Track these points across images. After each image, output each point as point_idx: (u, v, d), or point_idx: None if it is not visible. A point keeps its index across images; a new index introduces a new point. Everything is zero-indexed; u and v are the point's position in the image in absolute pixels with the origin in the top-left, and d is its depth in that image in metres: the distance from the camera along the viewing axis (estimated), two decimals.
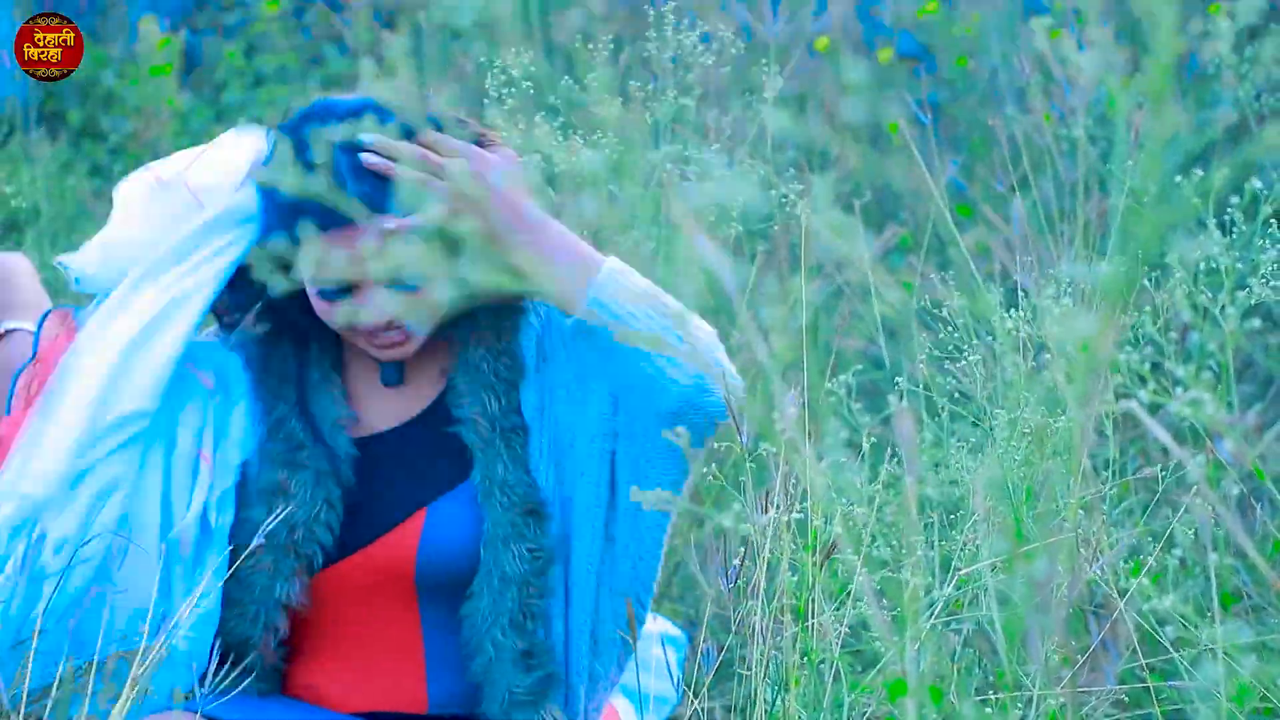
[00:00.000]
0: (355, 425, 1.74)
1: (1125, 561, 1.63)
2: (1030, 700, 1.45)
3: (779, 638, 1.55)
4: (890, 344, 2.63)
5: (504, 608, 1.65)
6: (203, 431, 1.68)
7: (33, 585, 1.52)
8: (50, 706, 1.53)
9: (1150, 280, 1.72)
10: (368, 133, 1.59)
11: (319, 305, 1.66)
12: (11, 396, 1.69)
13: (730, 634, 1.71)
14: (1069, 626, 1.67)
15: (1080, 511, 1.54)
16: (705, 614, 2.15)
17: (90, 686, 1.54)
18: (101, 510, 1.58)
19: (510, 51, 2.17)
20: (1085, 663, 1.50)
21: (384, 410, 1.75)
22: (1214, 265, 1.64)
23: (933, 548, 1.74)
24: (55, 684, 1.54)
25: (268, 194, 1.66)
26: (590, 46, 2.15)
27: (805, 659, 1.55)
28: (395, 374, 1.74)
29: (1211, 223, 1.64)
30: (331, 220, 1.59)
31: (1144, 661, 1.70)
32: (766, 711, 1.55)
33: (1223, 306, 1.62)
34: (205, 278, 1.68)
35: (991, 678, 1.73)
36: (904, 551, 1.60)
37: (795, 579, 1.57)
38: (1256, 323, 1.49)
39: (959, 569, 1.62)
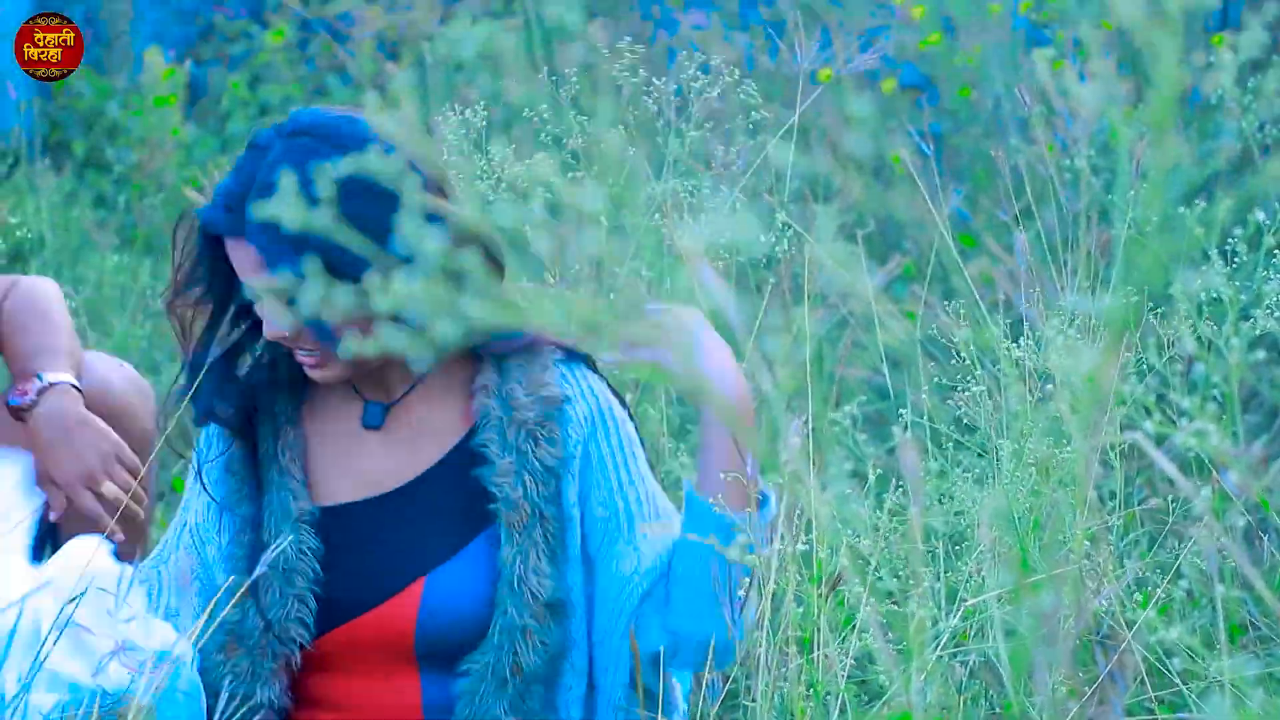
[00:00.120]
0: (354, 484, 1.69)
1: (1132, 593, 1.63)
2: None
3: (784, 669, 1.55)
4: (894, 374, 2.63)
5: (507, 694, 1.63)
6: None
7: None
8: None
9: (1154, 312, 1.72)
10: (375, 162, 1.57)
11: (262, 315, 1.62)
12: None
13: (735, 665, 1.70)
14: (1076, 658, 1.66)
15: (1086, 543, 1.54)
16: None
17: None
18: None
19: (512, 83, 2.18)
20: (1092, 695, 1.50)
21: (383, 467, 1.70)
22: (1217, 296, 1.64)
23: (938, 579, 1.73)
24: None
25: (269, 228, 1.63)
26: (592, 78, 2.16)
27: (811, 691, 1.54)
28: (377, 417, 1.70)
29: (1215, 254, 1.65)
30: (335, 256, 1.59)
31: (1152, 694, 1.69)
32: None
33: (1227, 338, 1.62)
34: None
35: (998, 709, 1.72)
36: (910, 583, 1.59)
37: (800, 610, 1.57)
38: (1261, 354, 1.49)
39: (965, 600, 1.61)
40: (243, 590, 1.57)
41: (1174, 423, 1.32)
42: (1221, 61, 1.26)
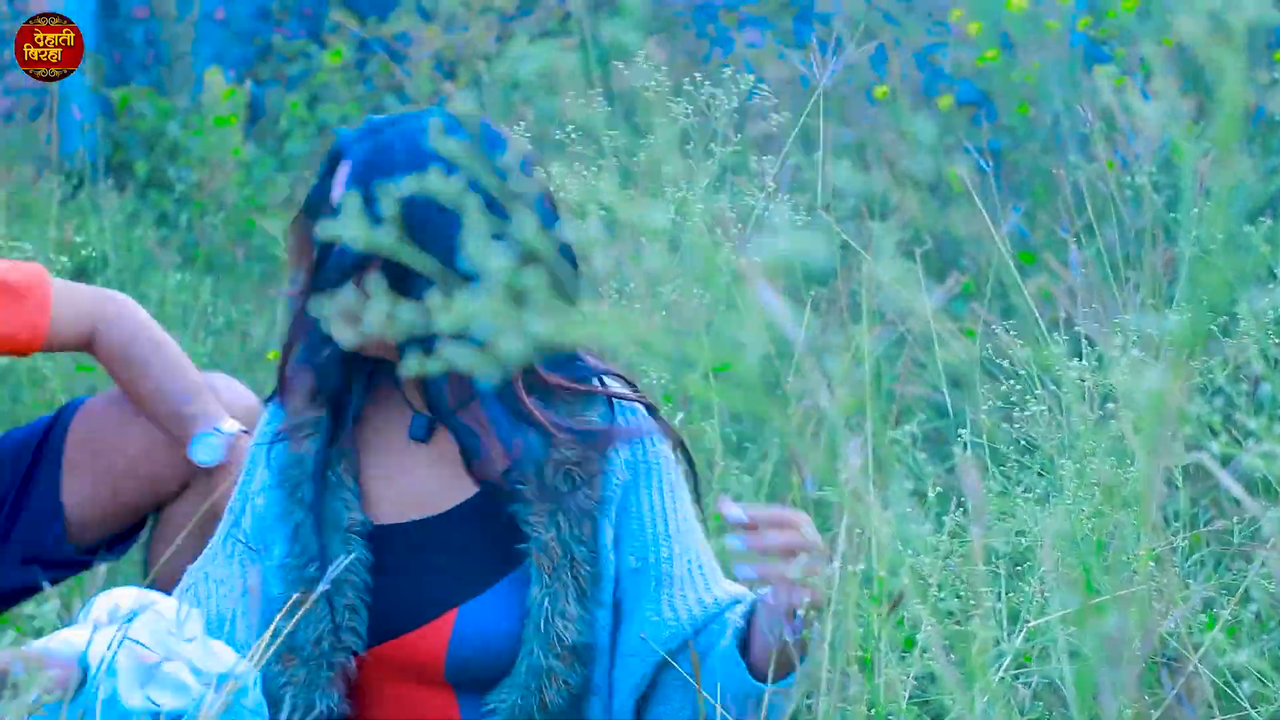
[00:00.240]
0: (400, 503, 1.68)
1: (1199, 615, 1.61)
2: None
3: (846, 691, 1.54)
4: (953, 392, 2.62)
5: None
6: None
7: None
8: None
9: (1219, 330, 1.70)
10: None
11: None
12: None
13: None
14: (1142, 681, 1.64)
15: (1151, 564, 1.52)
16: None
17: None
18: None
19: (572, 101, 2.19)
20: (1159, 719, 1.48)
21: (426, 489, 1.69)
22: None
23: (1000, 600, 1.72)
24: None
25: (331, 246, 1.62)
26: (650, 94, 2.16)
27: (872, 712, 1.53)
28: (422, 429, 1.67)
29: None
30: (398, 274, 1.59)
31: (1219, 718, 1.66)
32: None
33: None
34: None
35: None
36: (971, 603, 1.58)
37: (861, 631, 1.56)
38: None
39: (1028, 621, 1.60)
40: (308, 603, 1.57)
41: (1240, 443, 1.30)
42: None
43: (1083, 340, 1.90)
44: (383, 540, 1.67)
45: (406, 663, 1.66)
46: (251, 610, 1.67)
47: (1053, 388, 1.97)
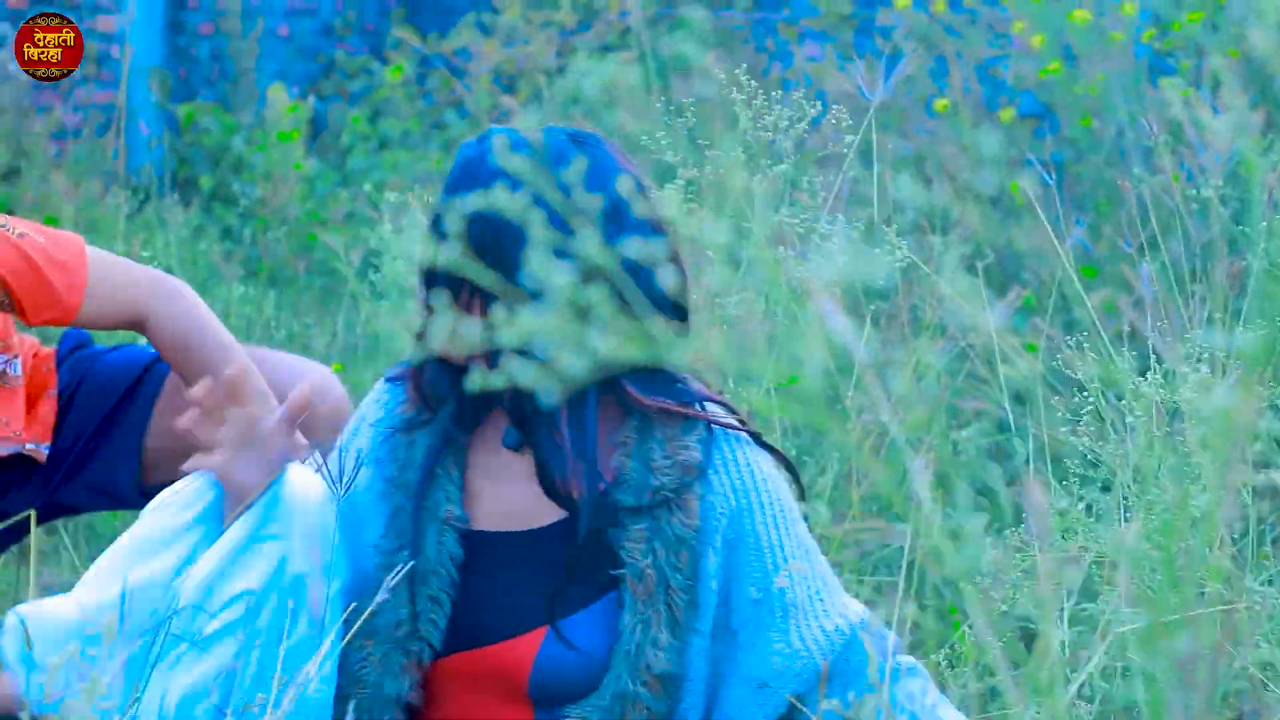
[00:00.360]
0: (497, 511, 1.66)
1: (1271, 636, 1.58)
2: None
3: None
4: (1014, 406, 2.59)
5: None
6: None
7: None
8: None
9: None
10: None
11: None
12: None
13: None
14: (1214, 703, 1.62)
15: (1220, 584, 1.50)
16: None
17: None
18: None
19: (632, 116, 2.20)
20: None
21: (525, 502, 1.66)
22: None
23: (1064, 619, 1.70)
24: None
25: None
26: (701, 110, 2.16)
27: None
28: (514, 437, 1.65)
29: None
30: (461, 288, 1.60)
31: None
32: None
33: None
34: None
35: None
36: (1039, 621, 1.57)
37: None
38: None
39: (1096, 640, 1.58)
40: (392, 578, 1.57)
41: None
42: None
43: (1152, 355, 1.88)
44: (476, 545, 1.66)
45: (487, 673, 1.64)
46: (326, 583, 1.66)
47: (1117, 402, 1.95)
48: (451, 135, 5.52)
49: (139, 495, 2.24)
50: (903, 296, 2.71)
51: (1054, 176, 2.49)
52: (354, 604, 1.61)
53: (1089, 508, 1.97)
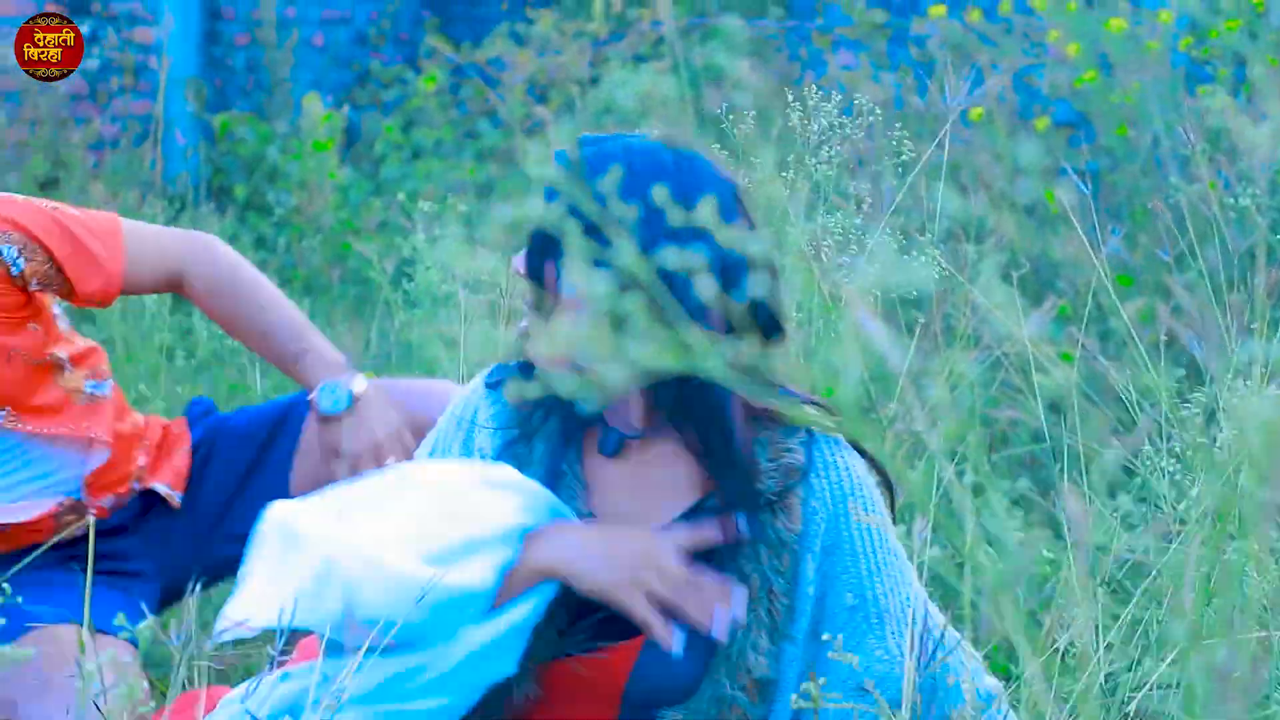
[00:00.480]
0: (606, 519, 1.64)
1: None
2: None
3: None
4: (1050, 416, 2.58)
5: None
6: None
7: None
8: None
9: None
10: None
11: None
12: None
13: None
14: (1253, 715, 1.61)
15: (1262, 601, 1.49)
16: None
17: None
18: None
19: (663, 124, 2.20)
20: None
21: (627, 507, 1.64)
22: None
23: (1099, 631, 1.69)
24: None
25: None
26: (735, 118, 2.16)
27: None
28: (611, 445, 1.63)
29: None
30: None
31: None
32: None
33: None
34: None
35: None
36: (1072, 633, 1.56)
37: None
38: None
39: (1134, 654, 1.57)
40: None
41: None
42: None
43: (1199, 365, 1.87)
44: None
45: (584, 679, 1.63)
46: None
47: (1153, 412, 1.93)
48: (484, 145, 5.54)
49: None
50: (936, 306, 2.70)
51: (1090, 185, 2.48)
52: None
53: (1126, 519, 1.96)
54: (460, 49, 5.95)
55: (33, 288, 2.08)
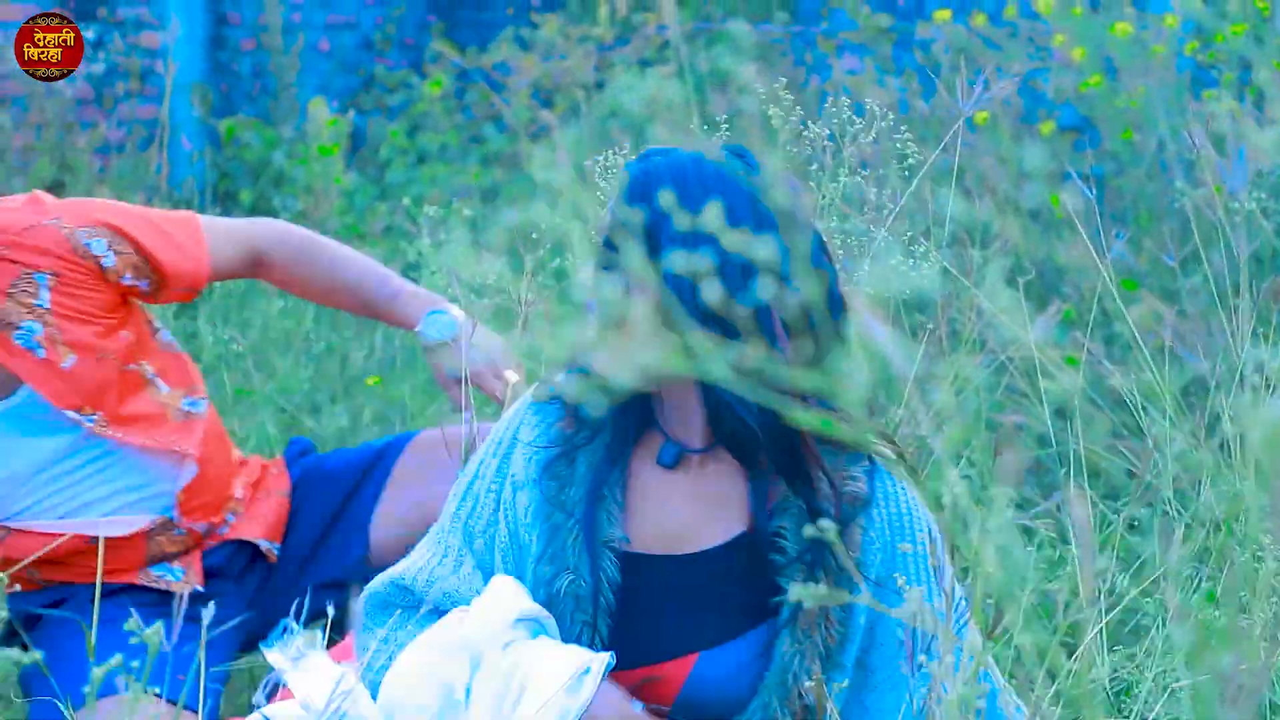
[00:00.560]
0: (656, 534, 1.63)
1: None
2: None
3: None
4: (1055, 421, 2.58)
5: None
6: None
7: None
8: None
9: None
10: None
11: None
12: None
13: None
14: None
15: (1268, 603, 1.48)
16: None
17: None
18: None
19: (668, 129, 2.20)
20: None
21: (684, 525, 1.63)
22: None
23: (1103, 634, 1.69)
24: None
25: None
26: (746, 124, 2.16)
27: None
28: (670, 456, 1.62)
29: None
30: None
31: None
32: None
33: None
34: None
35: None
36: (1076, 635, 1.56)
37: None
38: None
39: (1136, 655, 1.57)
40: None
41: None
42: None
43: (1202, 369, 1.87)
44: (633, 566, 1.63)
45: (631, 692, 1.61)
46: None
47: (1159, 417, 1.93)
48: (489, 149, 5.54)
49: (363, 581, 2.28)
50: (942, 310, 2.70)
51: (1095, 190, 2.48)
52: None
53: (1132, 522, 1.96)
54: (465, 54, 5.96)
55: (125, 281, 2.11)
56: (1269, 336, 2.21)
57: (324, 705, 1.49)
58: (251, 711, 1.56)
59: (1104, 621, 1.69)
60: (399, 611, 1.67)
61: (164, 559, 2.20)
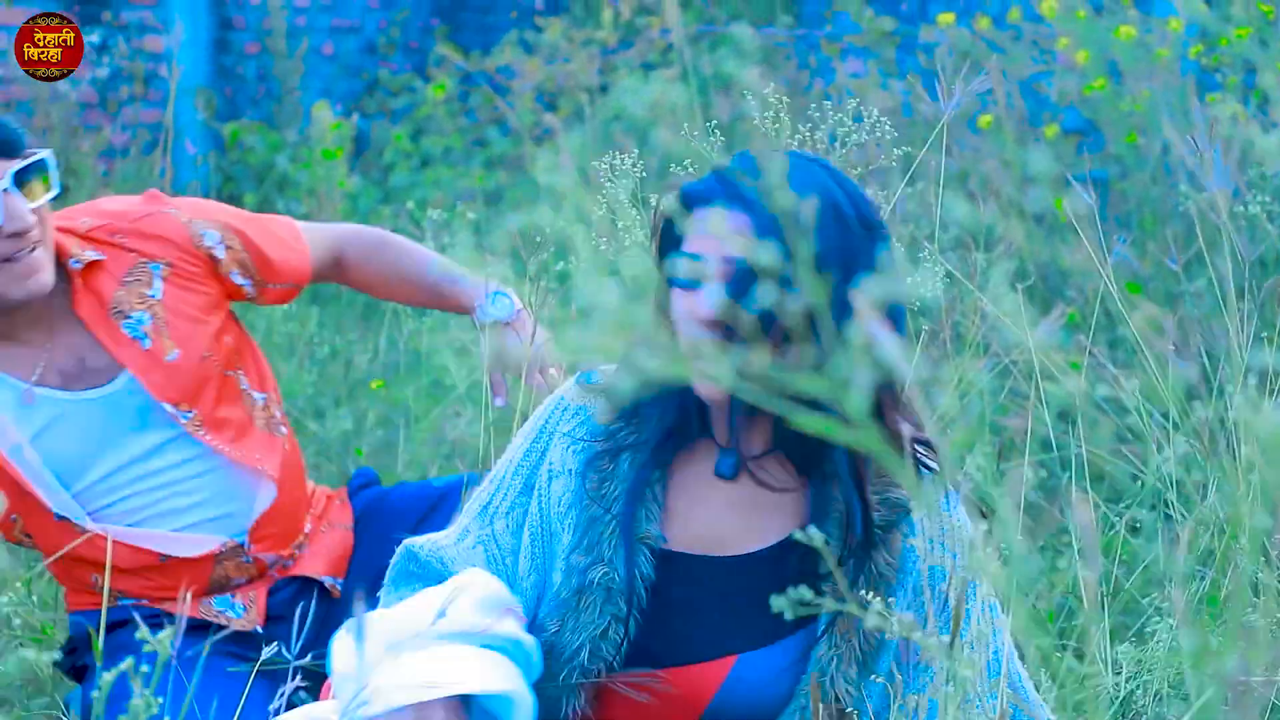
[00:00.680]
0: (698, 536, 1.63)
1: None
2: None
3: None
4: (1058, 424, 2.58)
5: None
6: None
7: None
8: None
9: None
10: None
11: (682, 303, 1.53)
12: None
13: None
14: None
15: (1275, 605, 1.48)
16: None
17: None
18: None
19: (678, 133, 2.20)
20: None
21: (728, 527, 1.63)
22: None
23: (1108, 638, 1.69)
24: None
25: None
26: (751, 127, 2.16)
27: None
28: (729, 466, 1.62)
29: None
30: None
31: None
32: None
33: None
34: None
35: None
36: (1083, 643, 1.56)
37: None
38: None
39: (1140, 661, 1.57)
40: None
41: None
42: None
43: (1208, 373, 1.86)
44: (668, 565, 1.62)
45: (668, 695, 1.61)
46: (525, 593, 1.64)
47: (1163, 420, 1.93)
48: (493, 152, 5.55)
49: None
50: (945, 314, 2.69)
51: (1098, 193, 2.48)
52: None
53: (1134, 525, 1.96)
54: (469, 57, 5.96)
55: (233, 277, 2.14)
56: (1272, 340, 2.21)
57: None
58: None
59: (1107, 624, 1.69)
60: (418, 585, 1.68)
61: (227, 588, 2.18)
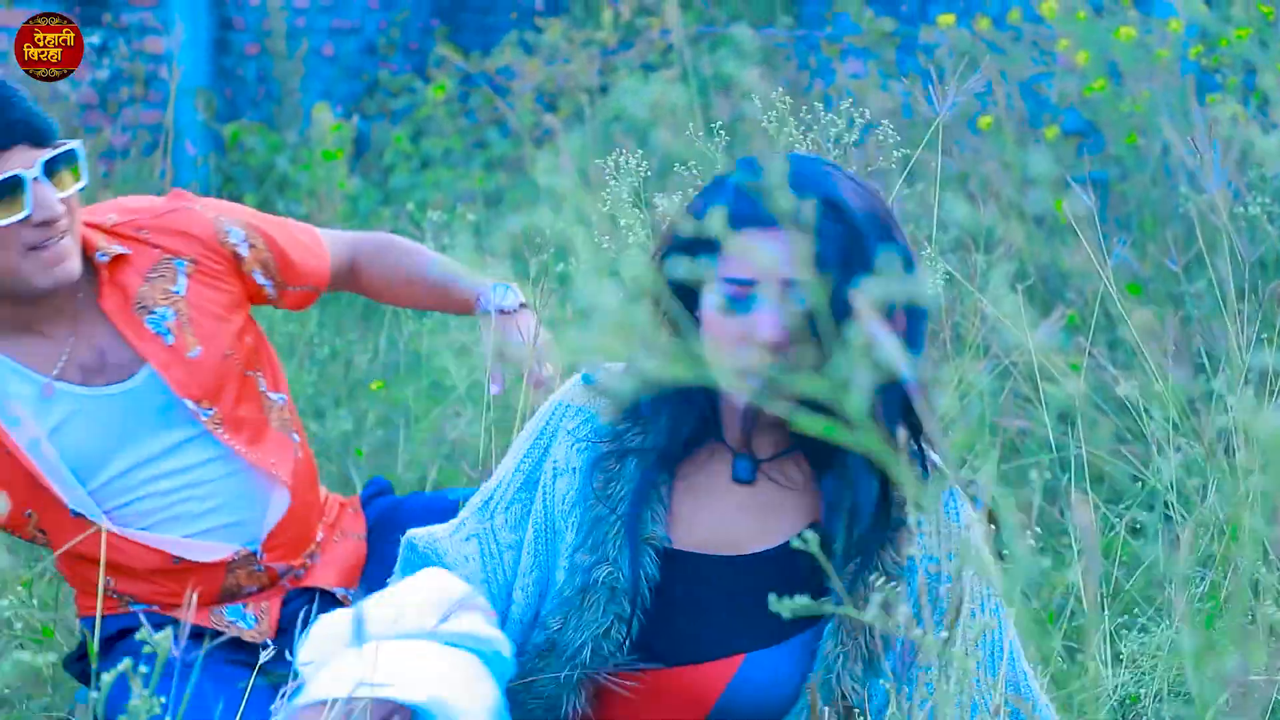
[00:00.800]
0: (708, 536, 1.63)
1: None
2: None
3: None
4: (1058, 425, 2.58)
5: None
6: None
7: None
8: None
9: None
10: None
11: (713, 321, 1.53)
12: None
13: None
14: None
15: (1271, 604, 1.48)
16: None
17: None
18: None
19: (677, 134, 2.20)
20: None
21: (738, 527, 1.63)
22: None
23: (1110, 638, 1.69)
24: None
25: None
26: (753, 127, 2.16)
27: None
28: (747, 471, 1.62)
29: None
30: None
31: None
32: None
33: None
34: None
35: None
36: (1082, 644, 1.56)
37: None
38: None
39: (1139, 662, 1.57)
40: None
41: None
42: None
43: (1208, 374, 1.87)
44: (673, 564, 1.63)
45: (670, 692, 1.62)
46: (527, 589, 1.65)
47: (1163, 421, 1.93)
48: (493, 153, 5.55)
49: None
50: (946, 315, 2.69)
51: (1098, 194, 2.48)
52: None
53: (1134, 526, 1.96)
54: (469, 58, 5.97)
55: (254, 276, 2.15)
56: (1272, 341, 2.21)
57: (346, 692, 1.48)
58: None
59: (1108, 625, 1.69)
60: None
61: (238, 596, 2.17)
